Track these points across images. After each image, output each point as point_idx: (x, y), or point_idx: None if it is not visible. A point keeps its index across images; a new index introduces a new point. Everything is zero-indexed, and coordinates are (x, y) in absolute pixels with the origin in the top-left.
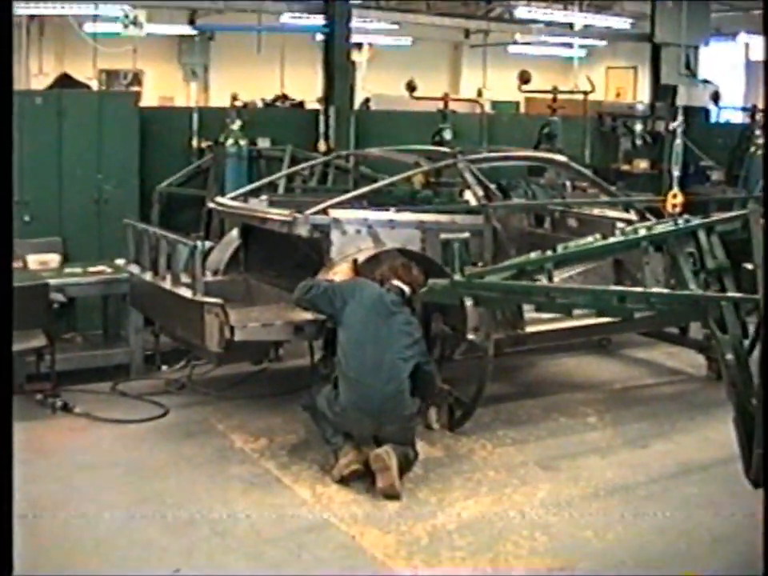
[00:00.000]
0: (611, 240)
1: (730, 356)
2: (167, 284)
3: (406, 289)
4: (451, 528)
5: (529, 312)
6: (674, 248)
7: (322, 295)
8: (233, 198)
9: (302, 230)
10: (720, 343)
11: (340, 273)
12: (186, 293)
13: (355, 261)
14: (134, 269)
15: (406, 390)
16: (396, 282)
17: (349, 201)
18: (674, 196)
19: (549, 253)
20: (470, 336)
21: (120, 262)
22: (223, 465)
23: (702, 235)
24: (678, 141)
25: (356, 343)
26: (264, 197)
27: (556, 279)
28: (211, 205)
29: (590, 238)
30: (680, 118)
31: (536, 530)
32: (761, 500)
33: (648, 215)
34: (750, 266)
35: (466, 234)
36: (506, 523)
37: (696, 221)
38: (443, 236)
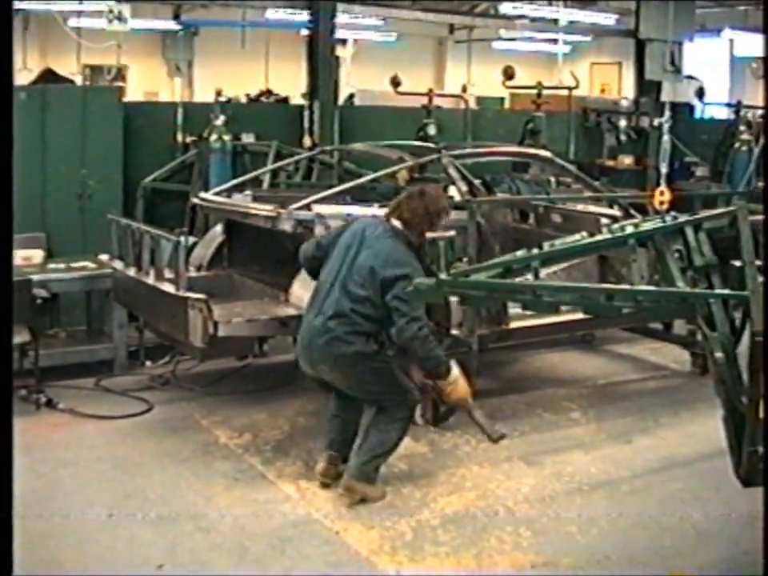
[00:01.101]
0: (598, 238)
1: (719, 353)
2: (151, 279)
3: (397, 224)
4: (435, 523)
5: (513, 308)
6: (661, 245)
7: (315, 243)
8: (216, 194)
9: (286, 226)
10: (709, 340)
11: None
12: (170, 288)
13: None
14: (118, 264)
15: (340, 328)
16: (394, 222)
17: (333, 196)
18: (662, 193)
19: (535, 251)
20: (454, 332)
21: (104, 257)
22: (207, 460)
23: (689, 232)
24: (666, 137)
25: (319, 285)
26: (248, 192)
27: (540, 276)
28: (195, 200)
29: (576, 236)
30: (667, 113)
31: (520, 525)
32: (744, 496)
33: (632, 211)
34: (737, 263)
35: (452, 233)
36: (490, 518)
37: (683, 218)
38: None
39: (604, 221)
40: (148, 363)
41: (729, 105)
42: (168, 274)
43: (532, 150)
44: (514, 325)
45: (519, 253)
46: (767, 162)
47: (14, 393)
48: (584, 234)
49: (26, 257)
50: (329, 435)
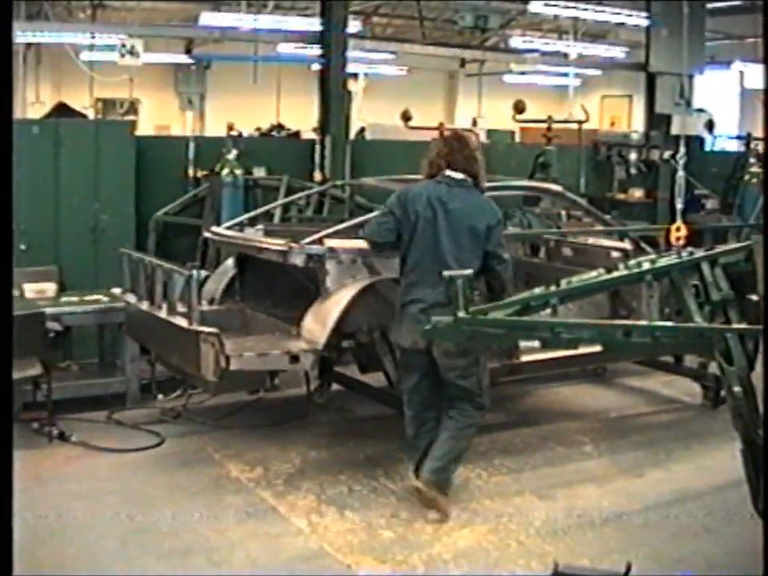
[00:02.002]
0: (615, 274)
1: (736, 387)
2: (163, 313)
3: (461, 176)
4: (447, 557)
5: (523, 341)
6: (678, 281)
7: (384, 221)
8: (228, 228)
9: (298, 260)
10: (726, 375)
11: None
12: (182, 322)
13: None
14: (130, 298)
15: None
16: (456, 175)
17: (344, 231)
18: (678, 229)
19: (553, 287)
20: None
21: (116, 290)
22: (219, 494)
23: (705, 267)
24: (681, 173)
25: (416, 264)
26: (260, 226)
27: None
28: (207, 234)
29: (593, 273)
30: (682, 149)
31: (532, 558)
32: (756, 528)
33: (643, 245)
34: (754, 298)
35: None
36: (502, 552)
37: (699, 253)
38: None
39: (615, 254)
40: (160, 396)
41: (739, 137)
42: (180, 307)
43: (543, 184)
44: (525, 358)
45: (537, 290)
46: (767, 186)
47: (23, 424)
48: (601, 270)
49: (39, 290)
50: (416, 455)
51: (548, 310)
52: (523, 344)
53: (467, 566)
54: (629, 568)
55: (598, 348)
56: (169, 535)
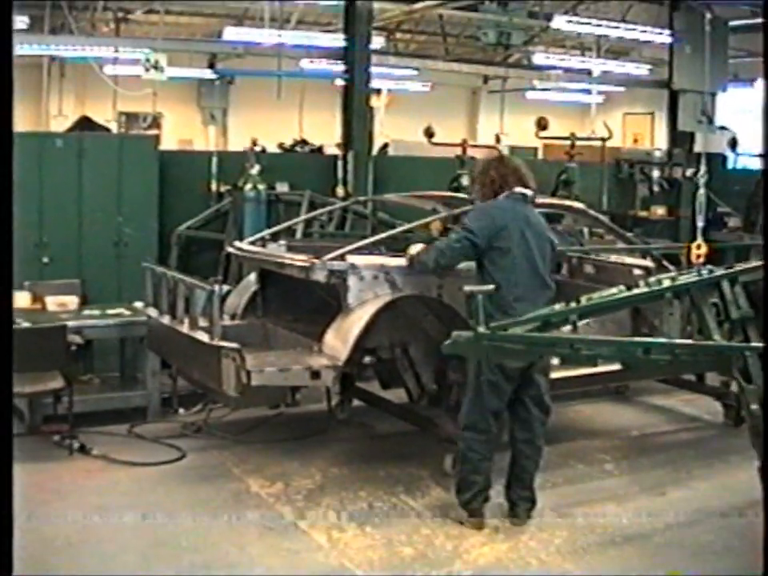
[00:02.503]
0: (635, 291)
1: (755, 406)
2: (185, 328)
3: (529, 192)
4: (467, 574)
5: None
6: (698, 298)
7: (463, 247)
8: (251, 243)
9: (320, 276)
10: (745, 393)
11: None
12: (204, 337)
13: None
14: (152, 312)
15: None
16: (526, 191)
17: (366, 247)
18: (698, 246)
19: (573, 304)
20: None
21: (138, 304)
22: (239, 509)
23: (725, 285)
24: (702, 191)
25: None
26: (282, 242)
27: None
28: (229, 249)
29: (614, 289)
30: (703, 168)
31: None
32: None
33: (665, 263)
34: None
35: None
36: (522, 570)
37: (719, 271)
38: (467, 288)
39: (637, 272)
40: (181, 411)
41: (761, 155)
42: (202, 322)
43: (565, 201)
44: None
45: (557, 306)
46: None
47: (44, 437)
48: (621, 287)
49: (61, 303)
50: (485, 480)
51: (568, 327)
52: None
53: None
54: None
55: (618, 366)
56: (188, 550)
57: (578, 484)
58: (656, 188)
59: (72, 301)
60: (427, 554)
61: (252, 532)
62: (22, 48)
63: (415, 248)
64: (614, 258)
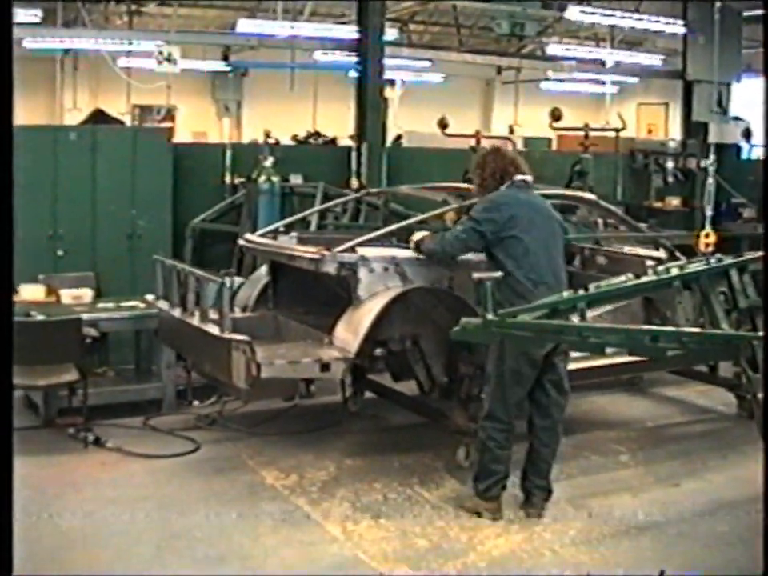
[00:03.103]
0: (644, 279)
1: (762, 395)
2: (195, 320)
3: (530, 178)
4: (482, 566)
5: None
6: (706, 287)
7: (469, 237)
8: (262, 235)
9: (330, 268)
10: (752, 382)
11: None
12: (214, 329)
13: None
14: (163, 305)
15: None
16: (528, 178)
17: (377, 238)
18: (707, 235)
19: (581, 292)
20: None
21: (150, 297)
22: (254, 501)
23: (734, 274)
24: (710, 180)
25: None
26: (293, 234)
27: (587, 318)
28: (240, 241)
29: (622, 278)
30: (712, 156)
31: (567, 567)
32: None
33: (677, 253)
34: None
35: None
36: (537, 561)
37: (728, 260)
38: (476, 275)
39: (650, 263)
40: (195, 403)
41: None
42: (212, 315)
43: (576, 192)
44: None
45: (566, 294)
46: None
47: (59, 429)
48: (629, 275)
49: (75, 296)
50: (506, 468)
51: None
52: None
53: (502, 575)
54: (662, 574)
55: (631, 358)
56: (203, 541)
57: (592, 475)
58: (670, 179)
59: (86, 293)
60: (441, 545)
61: (266, 524)
62: (35, 41)
63: (418, 235)
64: (627, 249)
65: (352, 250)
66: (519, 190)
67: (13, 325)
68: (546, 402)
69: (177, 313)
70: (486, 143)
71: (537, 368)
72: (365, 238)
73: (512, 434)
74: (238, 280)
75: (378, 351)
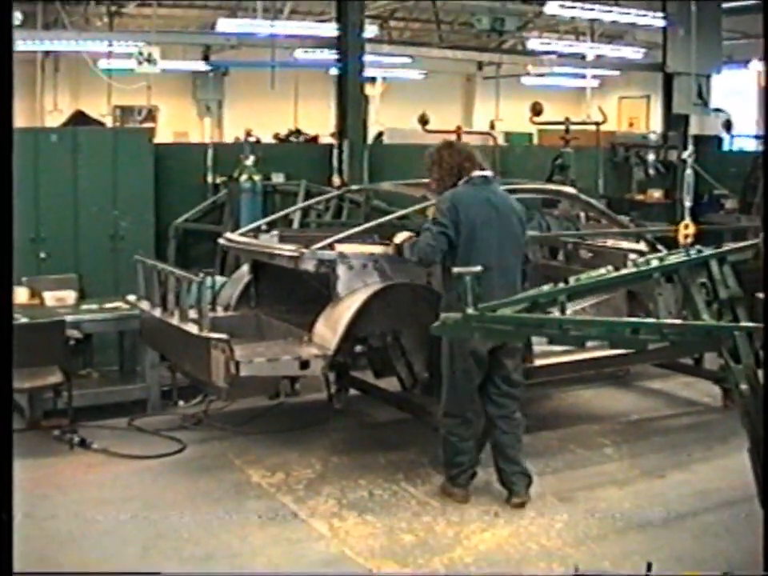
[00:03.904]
0: (623, 272)
1: (744, 386)
2: (175, 320)
3: (489, 173)
4: (469, 561)
5: (538, 345)
6: (686, 278)
7: (440, 242)
8: (243, 234)
9: (309, 265)
10: (734, 373)
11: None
12: (193, 328)
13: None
14: (144, 305)
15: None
16: (487, 173)
17: (357, 235)
18: (686, 227)
19: (561, 285)
20: None
21: (131, 297)
22: (240, 500)
23: (714, 265)
24: (689, 171)
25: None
26: (274, 232)
27: (569, 312)
28: (221, 241)
29: (602, 270)
30: (690, 147)
31: (553, 561)
32: None
33: (658, 246)
34: (762, 295)
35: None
36: (523, 555)
37: (708, 251)
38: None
39: (632, 256)
40: (180, 403)
41: (757, 137)
42: (192, 314)
43: (556, 186)
44: (539, 362)
45: (546, 287)
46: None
47: (44, 432)
48: (610, 268)
49: (59, 298)
50: (471, 459)
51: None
52: (537, 348)
53: (488, 569)
54: (649, 567)
55: (612, 351)
56: (190, 541)
57: (578, 468)
58: (652, 171)
59: (70, 295)
60: (428, 540)
61: (253, 522)
62: (15, 44)
63: (400, 236)
64: (609, 242)
65: (331, 247)
66: (476, 187)
67: (12, 329)
68: (497, 394)
69: (157, 313)
70: (466, 139)
71: (484, 365)
72: (343, 234)
73: (470, 426)
74: (220, 279)
75: (359, 348)
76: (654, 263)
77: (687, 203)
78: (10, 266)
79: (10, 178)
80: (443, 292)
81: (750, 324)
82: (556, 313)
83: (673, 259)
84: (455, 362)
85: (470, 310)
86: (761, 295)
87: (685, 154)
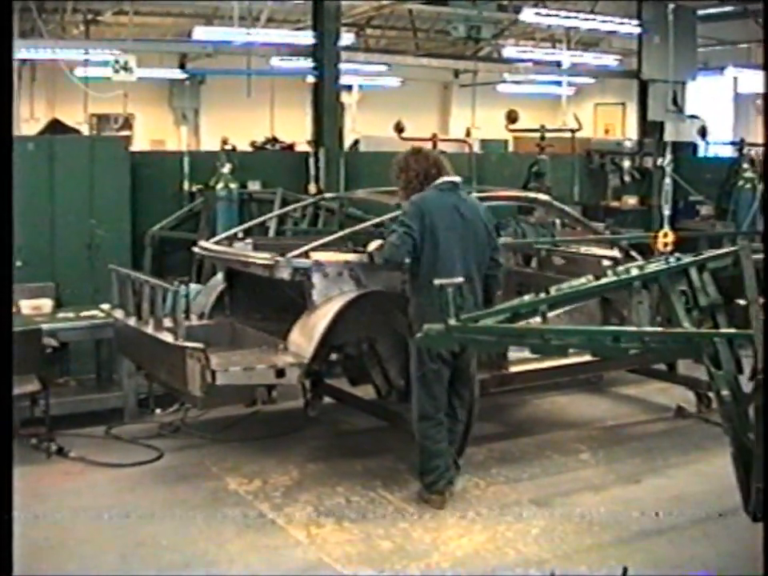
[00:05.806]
0: (604, 281)
1: (725, 392)
2: (150, 329)
3: (457, 179)
4: (445, 566)
5: (513, 351)
6: (666, 286)
7: (405, 243)
8: (218, 242)
9: (284, 274)
10: (715, 379)
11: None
12: (168, 337)
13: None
14: (119, 314)
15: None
16: (455, 179)
17: (332, 243)
18: (665, 235)
19: (542, 295)
20: None
21: (106, 306)
22: (218, 507)
23: (693, 273)
24: (668, 179)
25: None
26: (249, 240)
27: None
28: (195, 249)
29: (582, 279)
30: (668, 155)
31: (530, 566)
32: (754, 532)
33: (633, 253)
34: (742, 302)
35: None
36: (500, 560)
37: (687, 259)
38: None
39: (606, 263)
40: (158, 411)
41: (732, 143)
42: (167, 323)
43: (531, 194)
44: (514, 369)
45: (527, 297)
46: (767, 200)
47: (21, 440)
48: (590, 277)
49: (35, 306)
50: (446, 462)
51: (538, 318)
52: (513, 355)
53: (466, 575)
54: (625, 572)
55: (586, 357)
56: (168, 549)
57: (554, 474)
58: (627, 178)
59: (46, 304)
60: (405, 546)
61: (231, 529)
62: None
63: (374, 244)
64: (583, 249)
65: (305, 255)
66: (443, 193)
67: (12, 337)
68: (459, 385)
69: (132, 322)
70: (442, 146)
71: (451, 365)
72: (318, 243)
73: (444, 428)
74: (194, 287)
75: (334, 356)
76: (635, 272)
77: (666, 211)
78: (10, 276)
79: (10, 189)
80: (410, 297)
81: (731, 331)
82: (537, 320)
83: (653, 267)
84: (425, 364)
85: (452, 321)
86: (741, 302)
87: (663, 162)
